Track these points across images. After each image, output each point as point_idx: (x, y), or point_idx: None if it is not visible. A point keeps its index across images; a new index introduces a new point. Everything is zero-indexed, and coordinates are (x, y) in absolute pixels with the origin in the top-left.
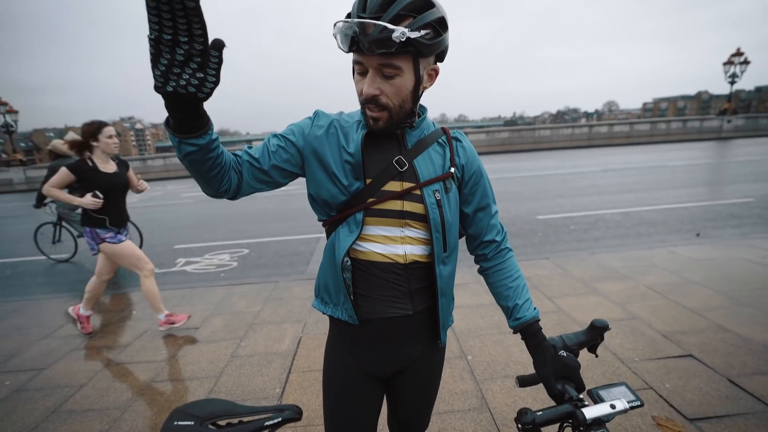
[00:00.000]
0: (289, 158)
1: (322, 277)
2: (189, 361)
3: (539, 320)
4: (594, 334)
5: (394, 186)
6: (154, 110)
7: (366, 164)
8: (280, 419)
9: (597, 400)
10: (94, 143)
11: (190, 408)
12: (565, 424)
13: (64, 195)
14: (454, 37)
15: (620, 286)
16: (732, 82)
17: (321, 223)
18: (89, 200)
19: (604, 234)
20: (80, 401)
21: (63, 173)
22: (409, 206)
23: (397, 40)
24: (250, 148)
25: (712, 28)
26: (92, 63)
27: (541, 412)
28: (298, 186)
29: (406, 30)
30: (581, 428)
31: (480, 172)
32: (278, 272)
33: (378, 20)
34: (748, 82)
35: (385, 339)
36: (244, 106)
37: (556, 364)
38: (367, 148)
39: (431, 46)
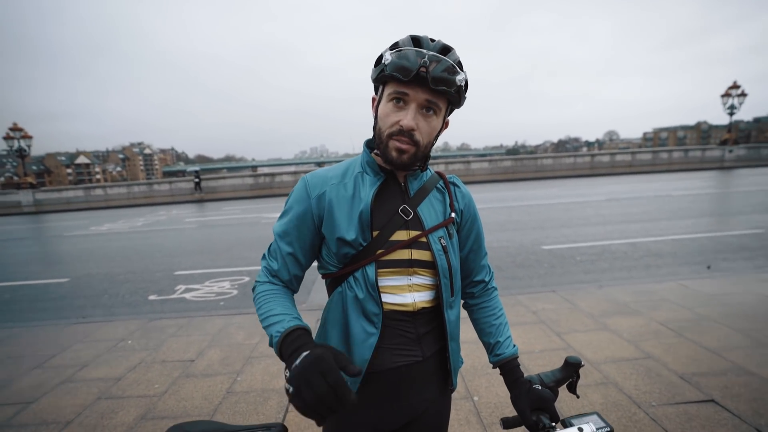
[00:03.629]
0: (311, 242)
1: (332, 342)
2: (183, 396)
3: (518, 357)
4: (569, 371)
5: (401, 235)
6: (162, 136)
7: (373, 216)
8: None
9: (568, 426)
10: None
11: (186, 426)
12: None
13: None
14: None
15: (631, 321)
16: (731, 113)
17: (321, 276)
18: None
19: (612, 265)
20: None
21: None
22: (417, 254)
23: (458, 83)
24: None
25: (696, 64)
26: (104, 91)
27: None
28: None
29: (465, 76)
30: None
31: (475, 215)
32: None
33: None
34: (745, 113)
35: (395, 390)
36: (249, 133)
37: (531, 397)
38: (375, 199)
39: (462, 99)
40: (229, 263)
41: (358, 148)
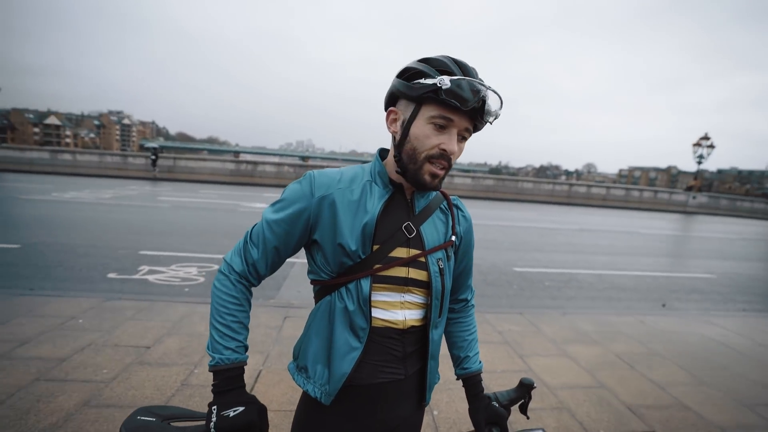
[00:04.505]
0: (298, 242)
1: (310, 351)
2: (133, 384)
3: (481, 373)
4: (522, 392)
5: (401, 252)
6: (144, 108)
7: (377, 229)
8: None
9: None
10: None
11: (153, 408)
12: None
13: None
14: None
15: (590, 351)
16: (699, 162)
17: (311, 281)
18: None
19: (577, 294)
20: None
21: None
22: (414, 273)
23: (495, 117)
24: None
25: (672, 111)
26: (86, 49)
27: None
28: None
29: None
30: None
31: (471, 240)
32: None
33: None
34: (710, 164)
35: (371, 405)
36: (235, 117)
37: (488, 412)
38: (381, 212)
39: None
40: (199, 248)
41: (345, 147)
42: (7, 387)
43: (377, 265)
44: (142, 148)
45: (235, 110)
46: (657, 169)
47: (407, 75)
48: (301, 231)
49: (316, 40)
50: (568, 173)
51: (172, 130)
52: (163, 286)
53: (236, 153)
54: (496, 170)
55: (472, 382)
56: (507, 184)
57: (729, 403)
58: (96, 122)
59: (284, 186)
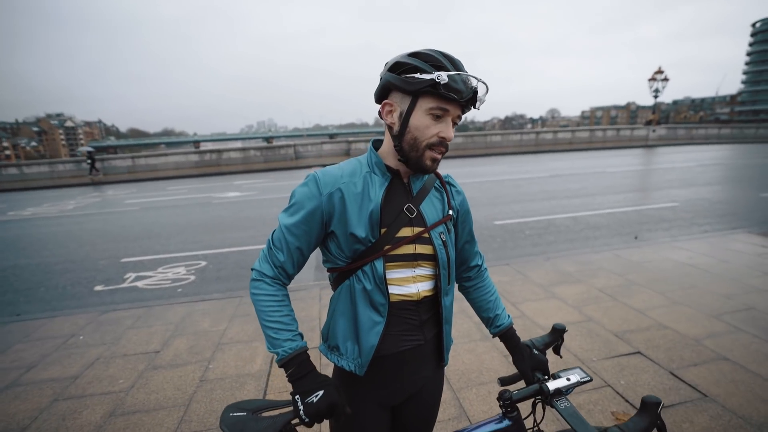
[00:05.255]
0: (317, 238)
1: (339, 331)
2: (153, 389)
3: (513, 325)
4: (555, 336)
5: (406, 232)
6: (86, 108)
7: (382, 214)
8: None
9: (557, 377)
10: None
11: (240, 404)
12: (536, 400)
13: None
14: (402, 46)
15: (575, 289)
16: (655, 96)
17: (327, 269)
18: None
19: (557, 238)
20: None
21: None
22: (420, 249)
23: (482, 102)
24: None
25: (627, 48)
26: (9, 51)
27: (517, 391)
28: (255, 192)
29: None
30: (547, 398)
31: (468, 211)
32: (241, 285)
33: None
34: (666, 96)
35: (398, 371)
36: (189, 106)
37: (533, 361)
38: (383, 198)
39: None
40: (181, 248)
41: (308, 122)
42: (28, 412)
43: (387, 246)
44: (88, 154)
45: (186, 98)
46: (617, 107)
47: (401, 70)
48: (318, 228)
49: (260, 14)
50: (533, 121)
51: (123, 127)
52: (154, 290)
53: (196, 143)
54: (463, 127)
55: (508, 336)
56: (476, 140)
57: (699, 316)
58: (35, 128)
59: (253, 171)
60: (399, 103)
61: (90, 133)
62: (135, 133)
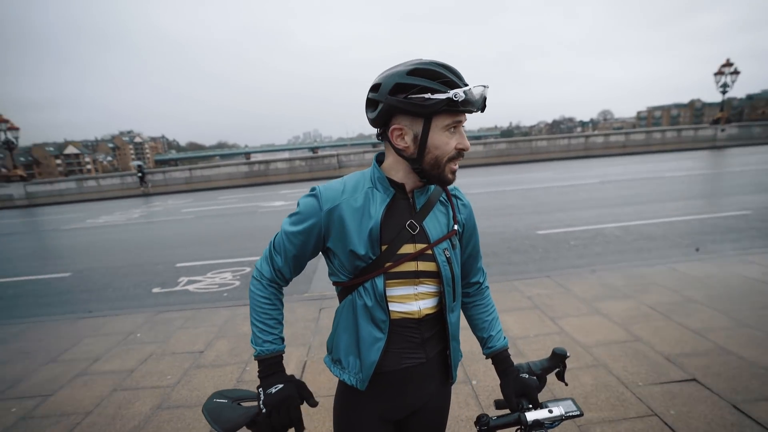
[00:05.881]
0: (314, 250)
1: (342, 345)
2: (195, 386)
3: (507, 348)
4: (555, 361)
5: (408, 248)
6: (152, 124)
7: (382, 231)
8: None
9: (544, 407)
10: None
11: (225, 392)
12: (517, 429)
13: None
14: (443, 52)
15: (622, 305)
16: (724, 92)
17: (332, 282)
18: None
19: (605, 249)
20: (87, 429)
21: None
22: (423, 266)
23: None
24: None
25: (686, 40)
26: (89, 78)
27: (495, 417)
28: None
29: None
30: (526, 429)
31: (474, 225)
32: None
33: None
34: (738, 91)
35: (400, 387)
36: (241, 119)
37: (516, 385)
38: (384, 215)
39: None
40: (229, 254)
41: (351, 132)
42: (92, 399)
43: (388, 263)
44: (156, 163)
45: (238, 112)
46: (678, 106)
47: (408, 93)
48: (314, 242)
49: (305, 28)
50: (583, 124)
51: (182, 141)
52: (203, 294)
53: (247, 154)
54: (508, 132)
55: (499, 359)
56: (521, 146)
57: None
58: (110, 145)
59: (298, 181)
60: (409, 126)
61: (155, 147)
62: (193, 146)
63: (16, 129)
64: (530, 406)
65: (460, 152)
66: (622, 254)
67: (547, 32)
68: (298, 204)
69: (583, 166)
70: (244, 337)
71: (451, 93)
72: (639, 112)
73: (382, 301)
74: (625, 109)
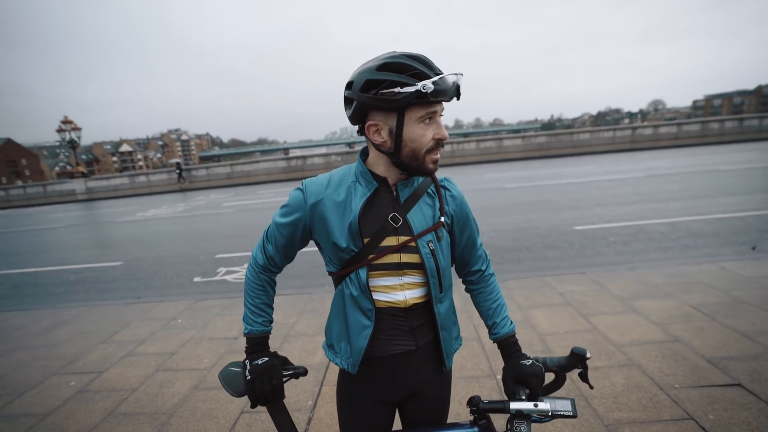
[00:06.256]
0: (301, 240)
1: (334, 331)
2: None
3: (514, 334)
4: (573, 361)
5: (391, 241)
6: (197, 123)
7: (362, 225)
8: (292, 372)
9: (540, 401)
10: None
11: (239, 362)
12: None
13: None
14: (481, 46)
15: (661, 304)
16: None
17: (327, 272)
18: None
19: (646, 246)
20: (133, 404)
21: None
22: (406, 258)
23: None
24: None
25: (753, 22)
26: (141, 80)
27: (486, 401)
28: None
29: None
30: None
31: (467, 215)
32: (312, 283)
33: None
34: None
35: (391, 372)
36: (280, 116)
37: (515, 370)
38: (364, 209)
39: None
40: None
41: None
42: (138, 378)
43: (371, 255)
44: (201, 159)
45: (278, 110)
46: (742, 93)
47: (377, 89)
48: (301, 233)
49: (343, 26)
50: (631, 115)
51: (225, 138)
52: (240, 283)
53: (286, 150)
54: (549, 125)
55: (504, 345)
56: (561, 139)
57: None
58: (160, 143)
59: None
60: (384, 121)
61: (200, 144)
62: (235, 142)
63: (79, 129)
64: (522, 397)
65: (438, 142)
66: (666, 252)
67: (592, 21)
68: (289, 196)
69: (628, 159)
70: (276, 325)
71: (419, 85)
72: (695, 101)
73: (366, 291)
74: (679, 98)
